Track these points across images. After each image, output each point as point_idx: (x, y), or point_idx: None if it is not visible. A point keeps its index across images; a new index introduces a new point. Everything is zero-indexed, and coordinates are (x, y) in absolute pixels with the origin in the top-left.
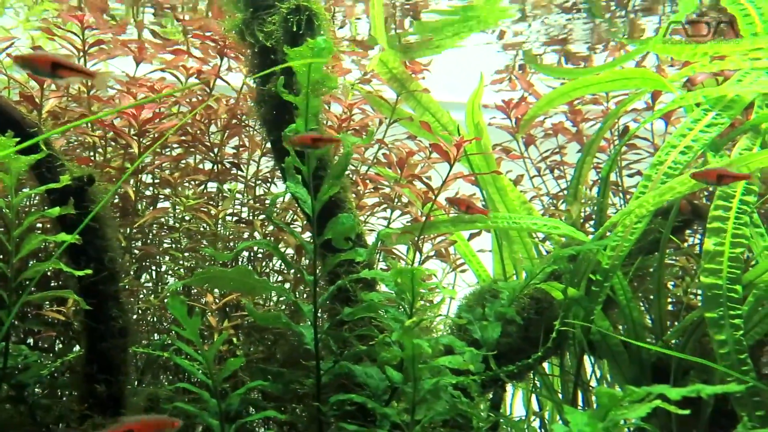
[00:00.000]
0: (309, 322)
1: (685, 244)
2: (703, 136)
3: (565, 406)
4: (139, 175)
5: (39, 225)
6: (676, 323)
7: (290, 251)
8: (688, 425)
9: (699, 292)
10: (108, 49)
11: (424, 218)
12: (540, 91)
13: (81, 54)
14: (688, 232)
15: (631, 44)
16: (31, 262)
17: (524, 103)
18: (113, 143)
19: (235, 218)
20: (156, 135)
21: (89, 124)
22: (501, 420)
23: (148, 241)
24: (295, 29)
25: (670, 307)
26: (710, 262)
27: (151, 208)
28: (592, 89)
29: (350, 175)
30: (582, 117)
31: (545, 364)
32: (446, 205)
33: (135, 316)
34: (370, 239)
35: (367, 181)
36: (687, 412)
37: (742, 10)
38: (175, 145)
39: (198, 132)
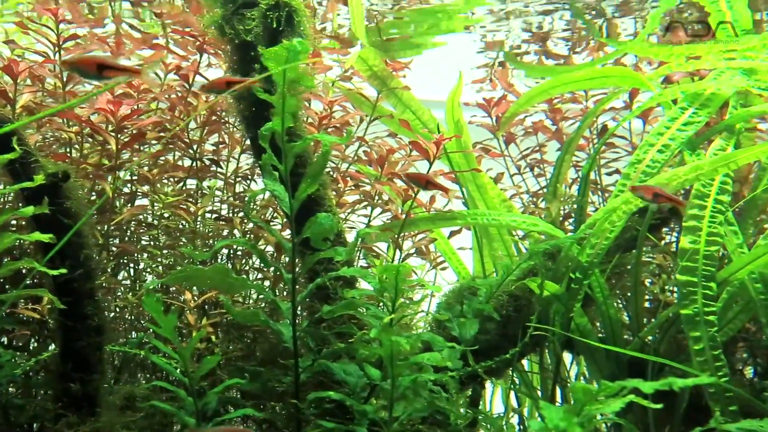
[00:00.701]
0: (287, 320)
1: (662, 242)
2: (681, 135)
3: (541, 402)
4: (117, 172)
5: (14, 222)
6: (653, 320)
7: (271, 249)
8: (664, 420)
9: (675, 289)
10: (84, 43)
11: (404, 216)
12: (520, 90)
13: (56, 49)
14: (665, 230)
15: (611, 44)
16: (6, 260)
17: (505, 101)
18: (90, 139)
19: (214, 215)
20: (134, 131)
21: (65, 120)
22: (480, 416)
23: (126, 238)
24: (274, 26)
25: (647, 304)
26: (686, 259)
27: (130, 205)
28: (571, 87)
29: (330, 173)
30: (562, 115)
31: (524, 361)
32: (408, 182)
33: (112, 314)
34: (350, 236)
35: (348, 179)
36: (660, 406)
37: (718, 11)
38: (153, 142)
39: (177, 128)
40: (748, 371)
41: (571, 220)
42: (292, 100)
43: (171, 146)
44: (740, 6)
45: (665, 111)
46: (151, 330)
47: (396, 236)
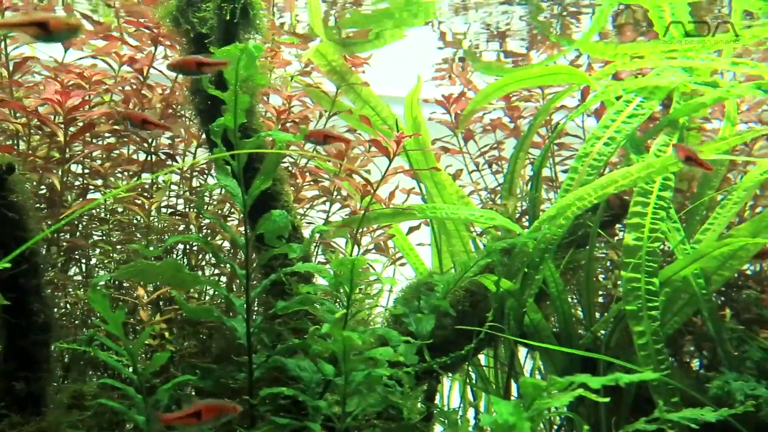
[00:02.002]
0: (242, 316)
1: (615, 238)
2: (625, 127)
3: (492, 397)
4: (68, 165)
5: None
6: (606, 314)
7: (228, 245)
8: (615, 411)
9: None
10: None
11: (362, 211)
12: (479, 86)
13: (1, 37)
14: (618, 226)
15: (562, 43)
16: None
17: (464, 98)
18: (39, 131)
19: (170, 210)
20: (85, 123)
21: (11, 111)
22: (435, 411)
23: (78, 233)
24: (229, 18)
25: (600, 299)
26: (629, 256)
27: (81, 199)
28: (524, 84)
29: (289, 168)
30: (519, 113)
31: (481, 356)
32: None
33: (62, 311)
34: (308, 232)
35: (306, 174)
36: (607, 399)
37: (660, 12)
38: (107, 135)
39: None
40: (695, 363)
41: (528, 216)
42: (245, 97)
43: (125, 139)
44: (681, 9)
45: (608, 106)
46: (101, 327)
47: (354, 232)
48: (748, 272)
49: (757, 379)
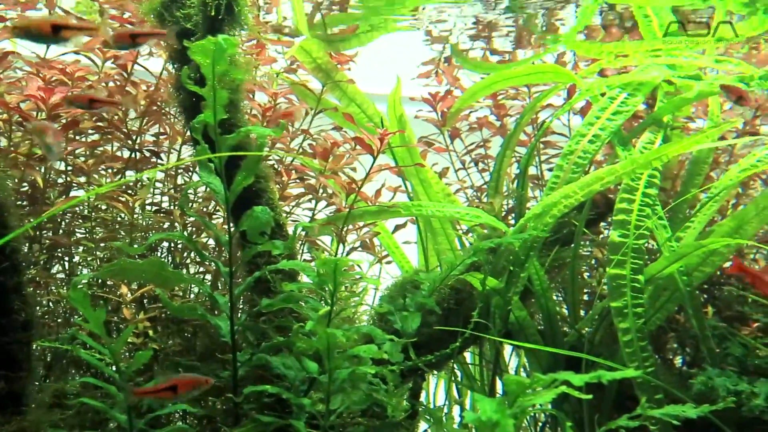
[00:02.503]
0: (226, 314)
1: (600, 236)
2: (610, 124)
3: (475, 394)
4: (50, 162)
5: None
6: (591, 312)
7: (213, 242)
8: (598, 408)
9: None
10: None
11: (347, 209)
12: (465, 85)
13: None
14: (602, 224)
15: (548, 41)
16: None
17: (450, 96)
18: (21, 128)
19: (155, 208)
20: (68, 120)
21: None
22: (420, 408)
23: (60, 230)
24: (213, 14)
25: (585, 297)
26: (615, 253)
27: (64, 197)
28: (511, 82)
29: (274, 166)
30: (505, 111)
31: (467, 354)
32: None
33: (44, 309)
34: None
35: (292, 172)
36: (590, 397)
37: (645, 15)
38: (90, 131)
39: (115, 118)
40: (678, 360)
41: (514, 214)
42: (223, 92)
43: (109, 137)
44: (664, 9)
45: (594, 103)
46: (84, 325)
47: (340, 230)
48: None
49: (739, 375)
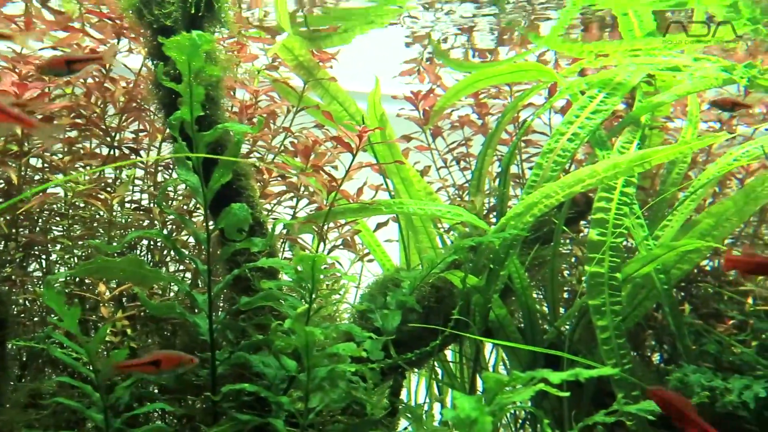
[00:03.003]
0: (204, 312)
1: (580, 235)
2: (589, 123)
3: (454, 392)
4: (26, 159)
5: None
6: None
7: (194, 240)
8: (577, 404)
9: None
10: None
11: (328, 207)
12: (447, 83)
13: None
14: (582, 222)
15: (531, 40)
16: None
17: (432, 94)
18: None
19: (134, 206)
20: (44, 116)
21: None
22: (400, 406)
23: (37, 228)
24: (193, 11)
25: (565, 295)
26: (593, 251)
27: (41, 194)
28: (494, 81)
29: (255, 163)
30: (487, 110)
31: (448, 352)
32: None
33: (20, 308)
34: (277, 228)
35: (273, 169)
36: (567, 394)
37: (624, 14)
38: (68, 128)
39: (93, 115)
40: (656, 357)
41: (495, 213)
42: (200, 88)
43: (87, 133)
44: (645, 10)
45: (574, 102)
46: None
47: (320, 227)
48: (707, 268)
49: (714, 371)
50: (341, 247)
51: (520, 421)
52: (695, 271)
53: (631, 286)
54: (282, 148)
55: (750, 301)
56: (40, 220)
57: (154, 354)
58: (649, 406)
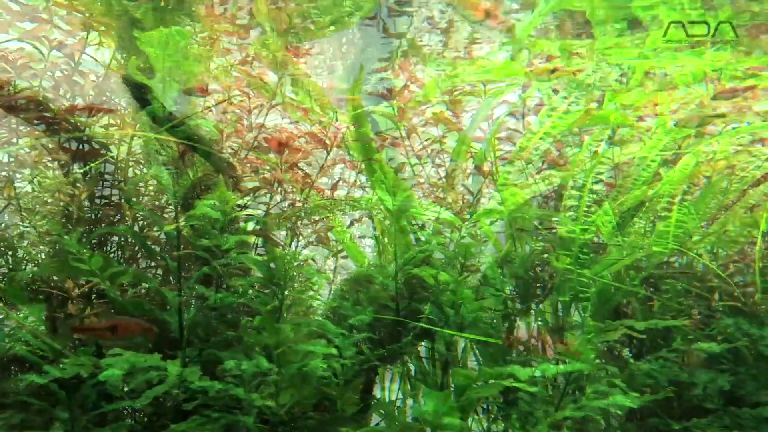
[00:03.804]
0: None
1: (552, 231)
2: (561, 123)
3: (423, 388)
4: None
5: None
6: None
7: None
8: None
9: None
10: None
11: (301, 203)
12: (423, 81)
13: None
14: (555, 219)
15: (508, 43)
16: None
17: (407, 91)
18: None
19: (103, 201)
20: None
21: None
22: (372, 402)
23: (3, 224)
24: (162, 4)
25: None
26: (563, 248)
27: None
28: (469, 78)
29: (229, 159)
30: (462, 107)
31: (422, 348)
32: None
33: None
34: (250, 224)
35: (247, 165)
36: (536, 389)
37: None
38: (35, 122)
39: (62, 108)
40: (625, 352)
41: (468, 209)
42: (173, 84)
43: (56, 127)
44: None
45: (546, 101)
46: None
47: (293, 224)
48: (676, 264)
49: (680, 366)
50: (315, 243)
51: (492, 416)
52: (664, 267)
53: (600, 282)
54: (256, 143)
55: (716, 296)
56: (5, 216)
57: (112, 320)
58: (617, 401)
